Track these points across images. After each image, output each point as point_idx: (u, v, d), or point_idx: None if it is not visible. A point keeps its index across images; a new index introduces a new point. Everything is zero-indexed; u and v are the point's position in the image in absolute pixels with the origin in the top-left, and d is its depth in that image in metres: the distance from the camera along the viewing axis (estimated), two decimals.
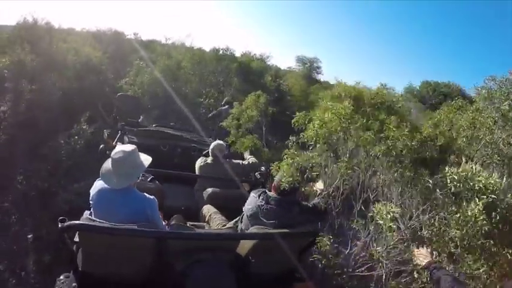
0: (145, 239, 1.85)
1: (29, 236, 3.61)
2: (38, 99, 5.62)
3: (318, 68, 19.72)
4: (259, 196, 2.39)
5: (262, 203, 2.34)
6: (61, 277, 1.98)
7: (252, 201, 2.42)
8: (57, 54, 7.30)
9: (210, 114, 8.27)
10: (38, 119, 5.30)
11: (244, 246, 2.13)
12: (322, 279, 3.90)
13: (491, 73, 2.84)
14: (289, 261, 2.29)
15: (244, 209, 2.48)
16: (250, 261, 2.14)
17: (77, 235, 1.91)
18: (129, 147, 2.13)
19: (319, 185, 2.66)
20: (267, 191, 2.44)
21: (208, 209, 2.96)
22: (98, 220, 1.88)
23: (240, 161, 3.86)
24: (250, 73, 12.06)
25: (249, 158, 4.04)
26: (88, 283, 1.89)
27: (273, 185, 2.45)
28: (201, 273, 1.90)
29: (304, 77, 17.13)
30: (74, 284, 1.87)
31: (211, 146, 3.58)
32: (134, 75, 8.98)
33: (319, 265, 4.08)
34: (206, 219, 2.88)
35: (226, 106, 7.90)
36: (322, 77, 19.54)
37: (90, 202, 2.03)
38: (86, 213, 2.07)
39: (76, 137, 5.20)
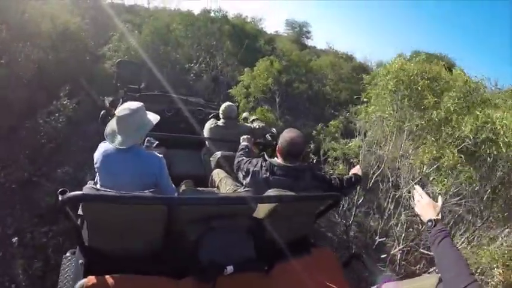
0: (156, 207, 1.73)
1: (14, 240, 3.29)
2: (10, 75, 5.01)
3: (308, 32, 19.70)
4: (261, 167, 2.13)
5: (267, 175, 2.09)
6: (67, 253, 1.94)
7: (255, 176, 2.17)
8: (30, 23, 6.57)
9: None
10: (10, 98, 4.74)
11: (261, 211, 2.03)
12: (338, 246, 3.84)
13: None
14: (306, 226, 2.29)
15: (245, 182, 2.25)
16: (267, 227, 2.04)
17: (80, 207, 1.80)
18: (135, 104, 2.03)
19: (357, 170, 2.52)
20: (266, 157, 2.17)
21: (218, 174, 2.80)
22: (102, 188, 1.81)
23: (251, 124, 3.80)
24: (243, 37, 11.39)
25: (255, 120, 3.99)
26: (96, 259, 1.79)
27: (277, 147, 2.18)
28: (217, 241, 1.81)
29: (294, 41, 16.99)
30: (81, 261, 1.78)
31: (222, 107, 3.51)
32: (118, 41, 8.45)
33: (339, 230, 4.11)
34: (216, 184, 2.72)
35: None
36: (311, 42, 19.53)
37: (95, 166, 1.97)
38: (90, 182, 2.00)
39: (57, 115, 4.86)
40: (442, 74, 3.58)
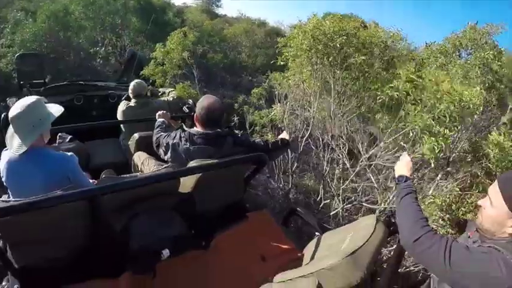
0: (73, 204, 1.58)
1: None
2: None
3: (218, 1, 19.56)
4: (180, 139, 2.06)
5: (188, 145, 2.03)
6: (3, 283, 1.76)
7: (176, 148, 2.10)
8: None
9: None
10: None
11: (186, 185, 1.97)
12: (280, 210, 3.96)
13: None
14: (237, 192, 2.28)
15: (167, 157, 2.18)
16: (196, 200, 2.00)
17: None
18: (30, 99, 1.81)
19: (284, 135, 2.55)
20: (185, 127, 2.18)
21: (139, 156, 2.68)
22: (12, 200, 1.64)
23: (165, 98, 3.77)
24: (150, 11, 10.67)
25: (171, 92, 3.96)
26: (30, 278, 1.63)
27: (195, 116, 2.11)
28: (145, 226, 1.74)
29: (204, 11, 16.81)
30: (16, 286, 1.62)
31: (131, 86, 3.40)
32: (11, 33, 7.48)
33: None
34: (139, 167, 2.61)
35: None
36: (222, 11, 19.58)
37: (3, 180, 1.77)
38: (4, 197, 1.77)
39: None
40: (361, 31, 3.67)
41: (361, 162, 3.41)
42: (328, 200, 3.83)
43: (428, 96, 2.66)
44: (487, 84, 3.85)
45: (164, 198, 1.88)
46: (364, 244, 1.31)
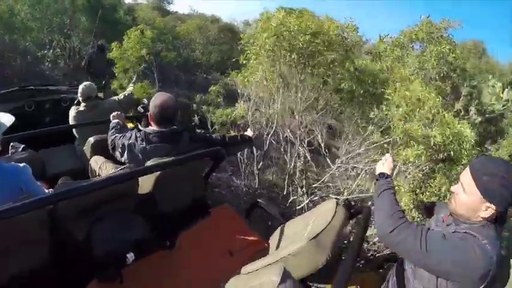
0: (30, 215, 1.48)
1: None
2: None
3: None
4: (136, 138, 2.05)
5: (144, 145, 2.03)
6: None
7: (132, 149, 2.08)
8: None
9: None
10: None
11: (146, 185, 1.97)
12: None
13: None
14: (197, 189, 2.29)
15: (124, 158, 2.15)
16: (156, 200, 2.00)
17: None
18: None
19: (248, 132, 2.63)
20: (140, 127, 2.12)
21: (96, 161, 2.62)
22: None
23: (116, 97, 3.69)
24: (100, 9, 10.21)
25: (127, 90, 3.89)
26: None
27: (149, 115, 2.11)
28: (106, 231, 1.71)
29: (156, 8, 16.69)
30: None
31: (79, 90, 3.33)
32: None
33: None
34: (97, 172, 2.55)
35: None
36: (173, 8, 19.45)
37: None
38: None
39: None
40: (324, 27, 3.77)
41: (326, 154, 3.55)
42: (294, 195, 3.93)
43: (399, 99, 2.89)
44: (442, 74, 4.18)
45: (124, 201, 1.85)
46: (325, 228, 1.37)
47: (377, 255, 3.08)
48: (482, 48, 14.96)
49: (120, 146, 2.08)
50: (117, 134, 2.18)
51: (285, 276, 1.10)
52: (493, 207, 1.21)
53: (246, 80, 4.11)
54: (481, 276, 1.16)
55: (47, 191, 2.01)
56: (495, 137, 5.20)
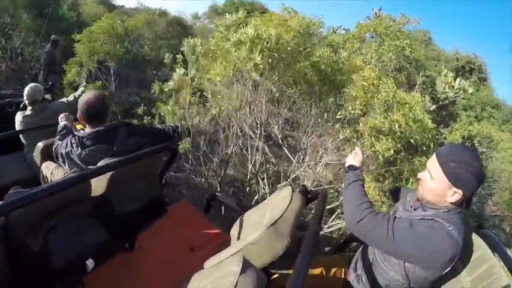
0: None
1: None
2: None
3: None
4: (72, 145, 2.00)
5: (79, 151, 1.98)
6: None
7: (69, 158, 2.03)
8: None
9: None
10: None
11: (99, 188, 1.92)
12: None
13: None
14: (153, 186, 2.26)
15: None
16: (111, 202, 1.96)
17: None
18: None
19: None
20: (74, 132, 2.07)
21: (47, 166, 2.54)
22: None
23: (65, 99, 3.60)
24: (43, 5, 9.71)
25: (78, 91, 3.82)
26: None
27: (78, 117, 2.07)
28: (62, 240, 1.66)
29: (101, 3, 16.02)
30: None
31: (25, 92, 3.23)
32: None
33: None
34: (49, 178, 2.47)
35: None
36: (119, 1, 19.18)
37: None
38: None
39: None
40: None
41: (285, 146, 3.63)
42: (254, 186, 3.99)
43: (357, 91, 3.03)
44: (397, 66, 4.46)
45: (78, 206, 1.81)
46: (282, 214, 1.42)
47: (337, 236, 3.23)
48: (428, 38, 15.85)
49: (60, 155, 2.03)
50: (59, 142, 2.11)
51: (245, 265, 1.12)
52: (460, 192, 1.26)
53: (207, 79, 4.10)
54: (448, 261, 1.23)
55: None
56: (447, 121, 5.65)
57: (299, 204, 1.52)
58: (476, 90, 14.16)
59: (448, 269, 1.27)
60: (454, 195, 1.28)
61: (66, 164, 2.01)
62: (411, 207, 1.45)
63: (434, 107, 5.50)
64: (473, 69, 15.78)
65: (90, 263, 1.64)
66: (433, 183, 1.31)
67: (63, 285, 1.58)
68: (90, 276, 1.63)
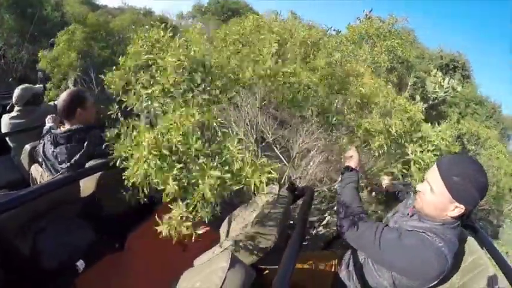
0: None
1: None
2: None
3: None
4: (47, 143, 2.04)
5: (52, 149, 2.01)
6: None
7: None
8: None
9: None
10: None
11: (88, 189, 1.93)
12: None
13: None
14: None
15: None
16: (100, 202, 1.97)
17: None
18: None
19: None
20: (52, 129, 2.12)
21: (36, 169, 2.52)
22: None
23: (53, 102, 3.56)
24: (25, 5, 9.61)
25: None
26: None
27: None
28: (51, 241, 1.69)
29: (85, 3, 16.01)
30: None
31: (14, 94, 3.20)
32: None
33: None
34: (38, 181, 2.46)
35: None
36: (103, 1, 19.34)
37: None
38: None
39: None
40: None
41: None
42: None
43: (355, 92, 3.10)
44: (389, 67, 4.59)
45: (67, 207, 1.83)
46: (270, 211, 1.48)
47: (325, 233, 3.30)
48: (413, 36, 16.22)
49: (37, 154, 2.08)
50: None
51: (234, 261, 1.18)
52: (462, 207, 1.22)
53: None
54: (434, 276, 1.22)
55: None
56: (436, 120, 5.81)
57: (286, 201, 1.58)
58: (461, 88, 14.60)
59: (436, 282, 1.26)
60: (455, 209, 1.24)
61: (43, 165, 2.04)
62: (408, 214, 1.43)
63: (425, 106, 5.65)
64: (457, 67, 16.04)
65: (80, 264, 1.67)
66: (434, 196, 1.26)
67: (55, 286, 1.61)
68: (81, 277, 1.65)
